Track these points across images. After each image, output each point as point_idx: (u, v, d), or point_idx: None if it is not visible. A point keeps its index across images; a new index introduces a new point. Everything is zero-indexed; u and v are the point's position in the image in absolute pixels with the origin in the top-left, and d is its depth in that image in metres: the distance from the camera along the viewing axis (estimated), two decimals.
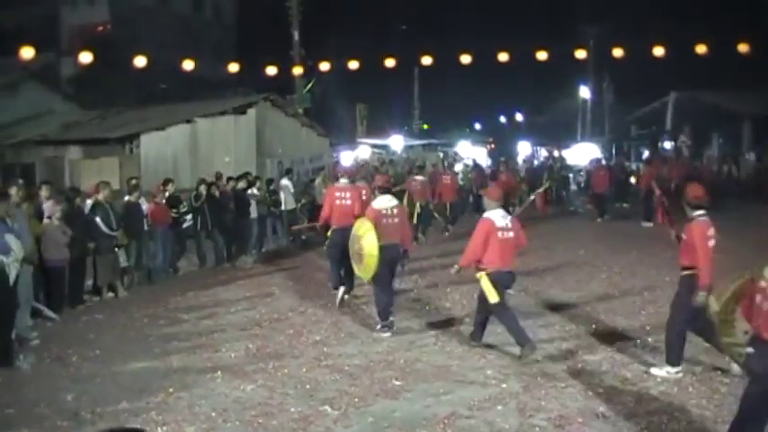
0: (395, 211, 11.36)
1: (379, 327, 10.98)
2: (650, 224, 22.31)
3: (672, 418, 7.61)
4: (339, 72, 35.68)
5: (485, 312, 10.01)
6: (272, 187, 20.60)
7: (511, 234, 9.79)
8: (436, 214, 22.00)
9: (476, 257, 9.77)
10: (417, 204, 20.74)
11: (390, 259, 11.09)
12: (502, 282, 9.71)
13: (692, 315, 8.75)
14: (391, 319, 11.04)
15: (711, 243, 8.76)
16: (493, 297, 9.54)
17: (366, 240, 10.79)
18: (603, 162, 32.04)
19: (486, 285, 9.60)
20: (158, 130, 24.04)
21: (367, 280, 11.40)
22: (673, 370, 8.80)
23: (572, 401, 8.08)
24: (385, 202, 11.38)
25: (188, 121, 24.99)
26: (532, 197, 19.85)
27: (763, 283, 6.19)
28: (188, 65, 28.85)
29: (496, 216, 9.82)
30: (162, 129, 24.17)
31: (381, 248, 10.76)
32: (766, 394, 6.21)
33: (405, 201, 18.94)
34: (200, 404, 8.23)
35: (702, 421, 7.56)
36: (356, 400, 8.23)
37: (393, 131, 45.49)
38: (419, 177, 21.67)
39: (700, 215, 8.89)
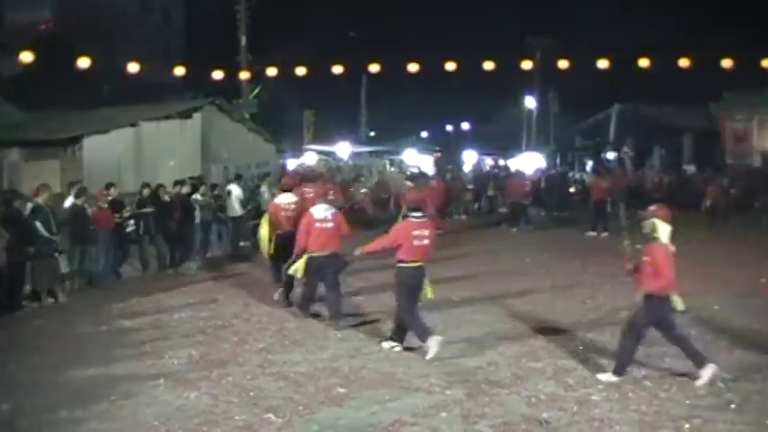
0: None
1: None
2: (594, 234, 22.67)
3: (613, 423, 7.73)
4: (287, 78, 35.60)
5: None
6: (216, 192, 20.44)
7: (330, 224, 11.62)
8: None
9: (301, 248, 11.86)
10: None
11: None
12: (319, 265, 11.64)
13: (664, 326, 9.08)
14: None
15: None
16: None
17: None
18: (521, 170, 32.28)
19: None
20: (102, 133, 23.70)
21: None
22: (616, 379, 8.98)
23: (516, 408, 8.17)
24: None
25: (133, 125, 24.70)
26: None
27: None
28: (133, 67, 28.56)
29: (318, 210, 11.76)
30: (106, 132, 23.83)
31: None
32: None
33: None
34: (143, 412, 8.15)
35: (642, 426, 7.69)
36: (301, 407, 8.22)
37: (340, 138, 45.47)
38: (409, 183, 23.44)
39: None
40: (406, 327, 10.33)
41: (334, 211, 12.12)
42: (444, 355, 9.97)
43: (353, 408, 8.22)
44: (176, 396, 8.66)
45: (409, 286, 10.36)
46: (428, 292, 10.56)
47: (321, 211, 11.95)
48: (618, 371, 9.08)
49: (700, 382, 8.88)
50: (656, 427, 7.67)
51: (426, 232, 10.37)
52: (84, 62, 26.65)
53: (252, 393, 8.70)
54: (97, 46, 34.88)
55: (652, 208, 9.54)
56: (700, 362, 9.03)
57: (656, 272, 8.90)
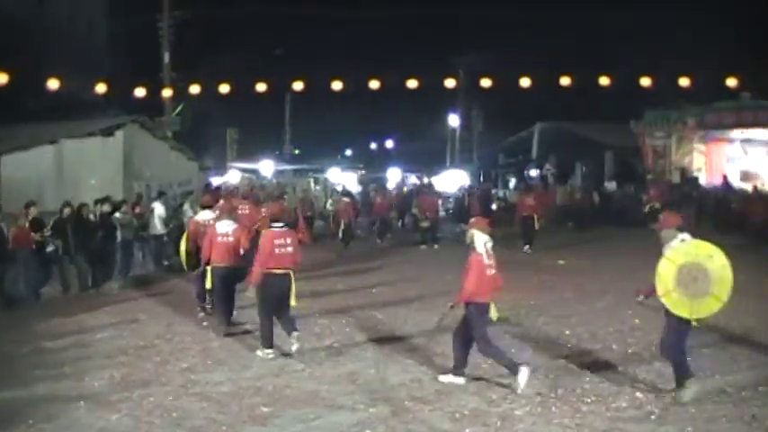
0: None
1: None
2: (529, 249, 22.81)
3: None
4: (210, 95, 35.33)
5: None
6: (138, 210, 20.13)
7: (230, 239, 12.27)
8: None
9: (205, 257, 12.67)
10: (342, 222, 24.66)
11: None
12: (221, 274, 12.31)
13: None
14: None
15: None
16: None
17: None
18: (433, 186, 32.55)
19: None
20: (22, 151, 23.24)
21: None
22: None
23: (439, 424, 8.22)
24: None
25: (53, 142, 24.26)
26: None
27: None
28: (54, 83, 28.05)
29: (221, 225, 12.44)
30: (26, 149, 23.39)
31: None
32: None
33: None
34: None
35: None
36: (224, 428, 8.15)
37: (264, 156, 45.32)
38: (345, 199, 25.98)
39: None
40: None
41: (236, 227, 12.75)
42: (369, 372, 10.01)
43: (277, 427, 8.19)
44: (97, 418, 8.50)
45: (270, 293, 11.02)
46: (292, 299, 11.13)
47: (224, 227, 12.65)
48: (454, 371, 9.66)
49: (519, 389, 9.18)
50: None
51: (289, 240, 11.17)
52: (2, 78, 26.03)
53: (174, 414, 8.59)
54: (20, 60, 34.14)
55: (472, 220, 10.22)
56: (513, 369, 9.40)
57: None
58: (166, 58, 34.00)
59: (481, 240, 9.76)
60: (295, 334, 10.94)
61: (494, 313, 9.78)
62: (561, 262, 20.86)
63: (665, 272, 9.15)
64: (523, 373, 9.21)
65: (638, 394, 9.24)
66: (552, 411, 8.63)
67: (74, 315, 14.41)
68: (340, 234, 24.47)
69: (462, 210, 32.30)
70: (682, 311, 9.05)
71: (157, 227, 20.11)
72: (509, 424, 8.22)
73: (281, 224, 11.44)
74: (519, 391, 9.12)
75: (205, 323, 13.15)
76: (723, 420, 8.37)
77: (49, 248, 16.92)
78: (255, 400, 9.01)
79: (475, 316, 9.60)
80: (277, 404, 8.87)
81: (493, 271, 9.82)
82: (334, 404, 8.86)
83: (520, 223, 24.34)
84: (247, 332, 12.35)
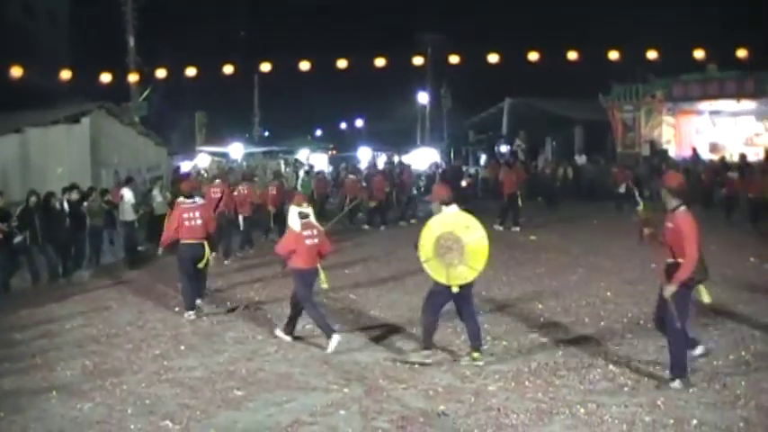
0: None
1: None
2: (501, 228, 22.59)
3: (510, 412, 7.87)
4: (177, 79, 35.04)
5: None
6: (107, 198, 19.93)
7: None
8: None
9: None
10: (348, 199, 25.47)
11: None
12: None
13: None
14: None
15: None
16: None
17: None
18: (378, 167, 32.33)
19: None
20: None
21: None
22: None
23: (413, 402, 8.23)
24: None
25: (18, 131, 23.96)
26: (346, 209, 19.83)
27: None
28: (17, 71, 27.70)
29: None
30: None
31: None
32: None
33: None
34: (34, 427, 7.92)
35: (539, 413, 7.85)
36: (198, 413, 8.12)
37: (233, 139, 45.03)
38: (351, 176, 27.24)
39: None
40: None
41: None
42: (342, 353, 10.02)
43: (251, 410, 8.16)
44: (69, 408, 8.43)
45: (183, 260, 12.66)
46: (204, 262, 12.64)
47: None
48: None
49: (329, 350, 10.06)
50: (552, 414, 7.83)
51: (198, 214, 12.65)
52: None
53: (148, 401, 8.54)
54: None
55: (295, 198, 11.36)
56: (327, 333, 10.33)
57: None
58: (131, 42, 33.55)
59: (294, 214, 10.70)
60: (199, 301, 12.79)
61: (324, 280, 10.71)
62: (532, 237, 20.91)
63: (426, 240, 9.65)
64: (334, 340, 10.19)
65: (611, 367, 9.30)
66: (525, 386, 8.67)
67: (43, 305, 14.25)
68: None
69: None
70: (439, 278, 9.51)
71: (128, 213, 19.92)
72: (483, 399, 8.24)
73: (191, 200, 12.86)
74: (328, 351, 10.03)
75: (177, 308, 13.06)
76: (695, 389, 8.41)
77: (17, 239, 16.70)
78: (228, 385, 8.98)
79: (296, 280, 10.64)
80: (250, 387, 8.85)
81: (314, 240, 10.62)
82: (308, 386, 8.85)
83: (507, 200, 23.61)
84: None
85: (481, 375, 9.02)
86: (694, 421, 7.53)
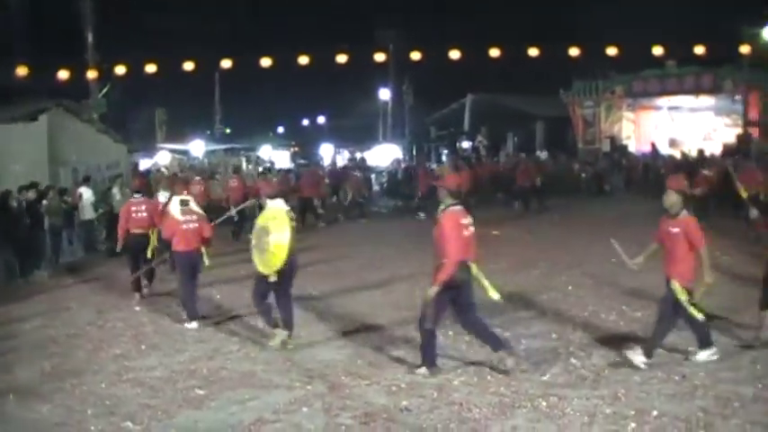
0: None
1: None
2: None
3: (472, 406, 7.89)
4: (137, 75, 34.69)
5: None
6: (66, 197, 19.70)
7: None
8: None
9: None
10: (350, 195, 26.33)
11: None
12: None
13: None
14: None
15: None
16: None
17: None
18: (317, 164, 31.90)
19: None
20: None
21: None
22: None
23: (376, 398, 8.22)
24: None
25: None
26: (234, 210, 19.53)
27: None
28: None
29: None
30: None
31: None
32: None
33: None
34: None
35: (501, 407, 7.88)
36: (159, 413, 8.04)
37: (194, 136, 44.74)
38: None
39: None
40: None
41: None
42: (305, 350, 9.98)
43: (213, 409, 8.10)
44: (28, 411, 8.31)
45: (130, 248, 13.91)
46: (149, 250, 13.53)
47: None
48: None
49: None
50: (515, 407, 7.86)
51: (144, 207, 13.82)
52: None
53: (108, 402, 8.44)
54: None
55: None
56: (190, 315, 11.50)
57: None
58: (90, 38, 33.14)
59: (176, 202, 12.07)
60: (145, 282, 13.96)
61: (206, 261, 11.93)
62: (495, 232, 20.98)
63: (254, 231, 10.54)
64: (192, 324, 11.41)
65: (573, 360, 9.37)
66: (488, 380, 8.69)
67: (1, 306, 14.03)
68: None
69: (396, 184, 32.31)
70: (258, 266, 10.17)
71: (86, 212, 19.71)
72: (445, 394, 8.25)
73: (140, 195, 14.23)
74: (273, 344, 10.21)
75: (137, 308, 12.95)
76: (654, 381, 8.51)
77: None
78: (190, 384, 8.90)
79: (177, 262, 12.08)
80: (212, 386, 8.78)
81: (193, 225, 11.78)
82: (270, 384, 8.80)
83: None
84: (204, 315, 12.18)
85: (444, 370, 9.01)
86: (654, 412, 7.60)
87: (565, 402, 7.94)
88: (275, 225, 10.09)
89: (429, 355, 8.91)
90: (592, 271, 14.97)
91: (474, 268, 8.98)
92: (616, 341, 10.13)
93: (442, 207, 8.94)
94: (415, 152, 47.65)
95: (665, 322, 9.13)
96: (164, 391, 8.69)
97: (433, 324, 8.73)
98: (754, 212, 9.78)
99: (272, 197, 10.57)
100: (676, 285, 8.93)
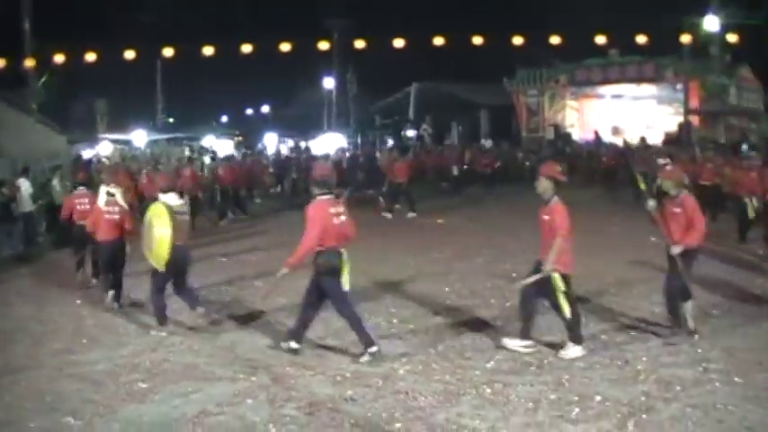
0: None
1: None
2: (390, 215, 22.65)
3: (418, 395, 7.91)
4: (76, 65, 34.14)
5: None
6: (3, 189, 19.29)
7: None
8: None
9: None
10: None
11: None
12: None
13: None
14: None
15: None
16: None
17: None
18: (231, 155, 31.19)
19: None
20: None
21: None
22: None
23: (321, 388, 8.19)
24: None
25: None
26: None
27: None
28: None
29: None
30: None
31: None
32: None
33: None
34: None
35: (447, 395, 7.90)
36: (101, 407, 7.90)
37: (136, 126, 44.13)
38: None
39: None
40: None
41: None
42: (249, 341, 9.92)
43: (156, 402, 8.00)
44: None
45: (75, 238, 13.76)
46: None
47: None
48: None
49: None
50: (460, 395, 7.90)
51: (87, 200, 13.63)
52: None
53: (49, 398, 8.27)
54: None
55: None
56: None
57: None
58: (27, 25, 32.47)
59: (103, 192, 12.39)
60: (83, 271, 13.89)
61: (128, 248, 12.05)
62: (440, 221, 21.08)
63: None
64: (109, 296, 11.83)
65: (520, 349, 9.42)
66: (433, 368, 8.72)
67: None
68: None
69: (341, 173, 32.18)
70: (150, 260, 10.55)
71: (25, 204, 19.34)
72: (390, 383, 8.26)
73: (83, 187, 14.13)
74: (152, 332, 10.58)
75: (78, 301, 12.73)
76: (598, 367, 8.62)
77: None
78: (133, 377, 8.77)
79: (99, 250, 12.39)
80: (155, 379, 8.66)
81: (114, 216, 12.10)
82: (214, 376, 8.71)
83: (392, 189, 23.59)
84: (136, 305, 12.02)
85: (388, 359, 9.02)
86: (598, 397, 7.69)
87: (509, 389, 8.00)
88: (158, 221, 10.41)
89: (295, 332, 9.38)
90: (536, 258, 15.04)
91: (344, 256, 9.13)
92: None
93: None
94: (360, 141, 47.57)
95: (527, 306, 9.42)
96: (106, 386, 8.55)
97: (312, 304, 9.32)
98: (650, 203, 9.86)
99: (164, 191, 10.92)
100: (555, 275, 9.07)
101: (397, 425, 7.20)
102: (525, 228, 18.76)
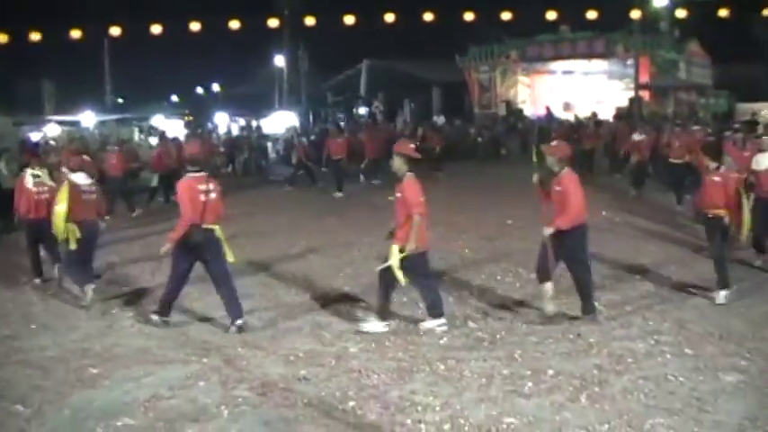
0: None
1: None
2: (341, 194, 22.54)
3: (371, 373, 7.90)
4: (21, 44, 33.45)
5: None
6: None
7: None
8: None
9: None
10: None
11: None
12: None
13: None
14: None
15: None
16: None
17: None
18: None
19: None
20: None
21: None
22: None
23: (274, 368, 8.14)
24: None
25: None
26: None
27: None
28: None
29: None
30: None
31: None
32: None
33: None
34: None
35: (400, 372, 7.90)
36: (51, 394, 7.76)
37: (85, 107, 43.47)
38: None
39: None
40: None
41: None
42: (200, 323, 9.83)
43: (107, 388, 7.88)
44: None
45: (29, 231, 12.74)
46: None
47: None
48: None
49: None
50: (413, 372, 7.89)
51: (45, 188, 12.62)
52: None
53: None
54: None
55: None
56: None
57: None
58: None
59: (29, 174, 12.47)
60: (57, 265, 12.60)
61: (59, 233, 11.26)
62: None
63: None
64: (89, 288, 11.00)
65: (470, 323, 9.48)
66: (386, 346, 8.71)
67: None
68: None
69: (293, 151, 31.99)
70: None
71: None
72: (344, 362, 8.24)
73: (38, 173, 12.89)
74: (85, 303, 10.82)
75: (27, 286, 12.51)
76: (550, 341, 8.68)
77: None
78: (83, 363, 8.62)
79: (24, 228, 12.58)
80: (106, 364, 8.53)
81: (45, 196, 12.15)
82: (165, 359, 8.61)
83: (332, 167, 23.86)
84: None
85: (342, 338, 9.01)
86: (550, 371, 7.74)
87: (463, 365, 8.02)
88: (59, 197, 11.08)
89: (164, 307, 9.80)
90: (488, 234, 15.16)
91: (218, 231, 9.51)
92: (512, 303, 10.29)
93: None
94: (311, 118, 47.37)
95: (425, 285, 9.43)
96: (56, 372, 8.40)
97: (174, 276, 9.67)
98: (534, 178, 9.88)
99: (73, 171, 11.60)
100: (394, 248, 9.22)
101: (351, 403, 7.18)
102: (477, 204, 18.96)
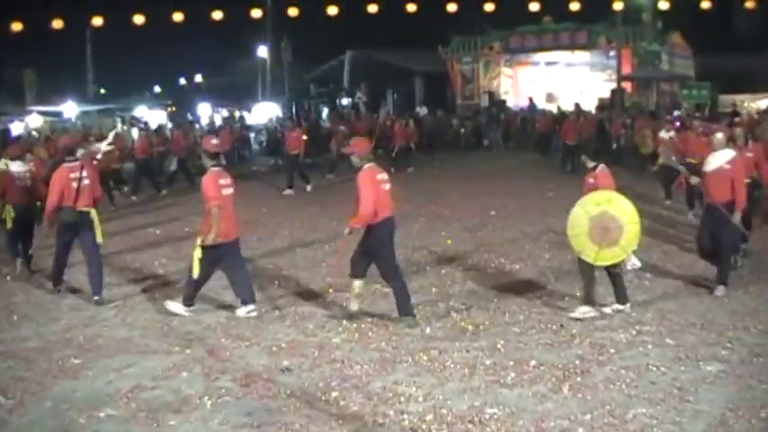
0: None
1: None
2: (310, 188, 22.13)
3: (354, 363, 7.91)
4: (1, 35, 33.21)
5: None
6: None
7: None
8: None
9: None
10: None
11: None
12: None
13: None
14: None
15: None
16: None
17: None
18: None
19: None
20: None
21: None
22: None
23: (257, 359, 8.14)
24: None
25: None
26: None
27: None
28: None
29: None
30: None
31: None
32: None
33: None
34: None
35: (383, 362, 7.92)
36: (33, 385, 7.73)
37: (67, 97, 43.14)
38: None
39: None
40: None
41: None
42: (183, 314, 9.78)
43: (90, 378, 7.86)
44: None
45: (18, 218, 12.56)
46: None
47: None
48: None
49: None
50: (396, 362, 7.91)
51: (27, 174, 12.69)
52: None
53: None
54: None
55: None
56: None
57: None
58: None
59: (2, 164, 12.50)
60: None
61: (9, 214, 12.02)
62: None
63: None
64: (19, 264, 12.23)
65: (453, 314, 9.50)
66: (369, 336, 8.73)
67: None
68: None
69: (277, 142, 31.91)
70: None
71: None
72: (326, 352, 8.24)
73: (19, 163, 12.83)
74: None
75: (8, 277, 12.44)
76: (533, 331, 8.72)
77: None
78: (65, 353, 8.59)
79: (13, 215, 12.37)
80: (88, 355, 8.51)
81: (26, 182, 12.25)
82: (148, 349, 8.59)
83: (287, 162, 23.20)
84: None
85: (325, 329, 9.02)
86: (533, 362, 7.77)
87: (445, 355, 8.04)
88: None
89: (55, 275, 11.14)
90: (471, 225, 15.20)
91: (93, 213, 10.59)
92: (495, 293, 10.32)
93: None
94: (294, 110, 47.23)
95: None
96: (38, 363, 8.36)
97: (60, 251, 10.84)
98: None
99: (12, 158, 12.41)
100: (198, 240, 9.62)
101: (334, 394, 7.19)
102: (459, 195, 18.97)
